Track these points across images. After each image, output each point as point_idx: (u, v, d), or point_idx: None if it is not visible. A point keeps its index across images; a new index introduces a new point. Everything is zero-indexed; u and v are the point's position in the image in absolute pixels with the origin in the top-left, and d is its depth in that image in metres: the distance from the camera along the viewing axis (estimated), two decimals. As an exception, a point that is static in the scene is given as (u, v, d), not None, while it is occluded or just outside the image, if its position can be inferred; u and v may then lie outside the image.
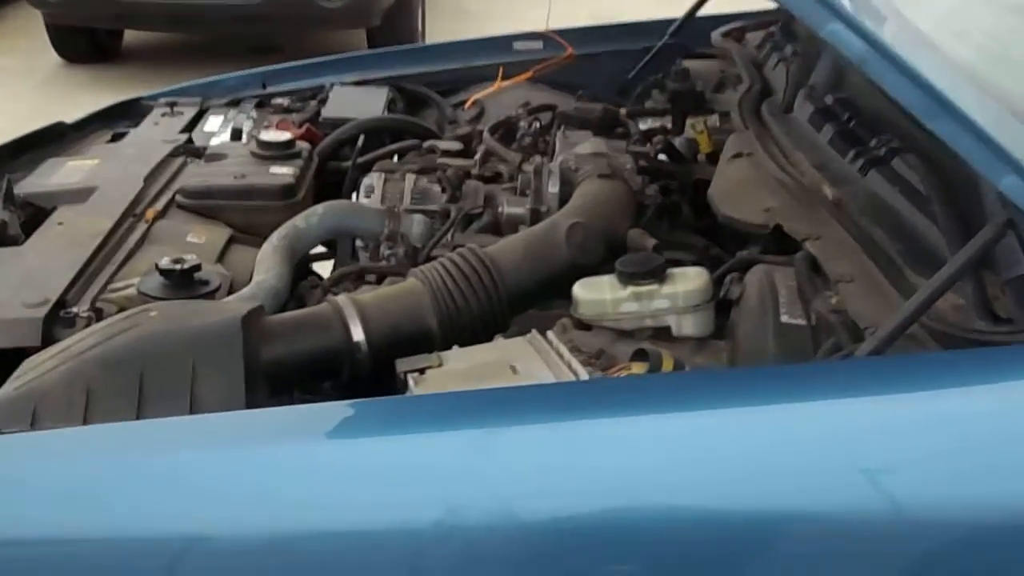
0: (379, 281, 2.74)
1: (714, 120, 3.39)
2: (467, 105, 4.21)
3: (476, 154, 3.41)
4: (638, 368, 2.14)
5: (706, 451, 1.78)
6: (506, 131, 3.43)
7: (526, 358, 2.22)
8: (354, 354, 2.35)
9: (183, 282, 2.64)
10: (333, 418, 1.95)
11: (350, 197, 3.32)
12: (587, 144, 3.00)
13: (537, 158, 3.03)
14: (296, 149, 3.46)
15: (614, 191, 2.75)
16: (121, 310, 2.66)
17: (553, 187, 2.80)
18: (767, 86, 3.32)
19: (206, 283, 2.70)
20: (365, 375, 2.39)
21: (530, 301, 2.53)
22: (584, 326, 2.44)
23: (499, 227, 2.99)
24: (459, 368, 2.20)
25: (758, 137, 2.88)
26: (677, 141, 3.34)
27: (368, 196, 3.10)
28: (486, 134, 3.38)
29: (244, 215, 3.24)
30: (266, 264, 2.67)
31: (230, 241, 3.12)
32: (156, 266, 2.67)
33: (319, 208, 2.87)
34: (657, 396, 1.89)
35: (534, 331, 2.36)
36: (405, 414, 1.93)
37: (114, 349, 2.17)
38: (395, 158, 3.50)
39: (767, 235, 2.62)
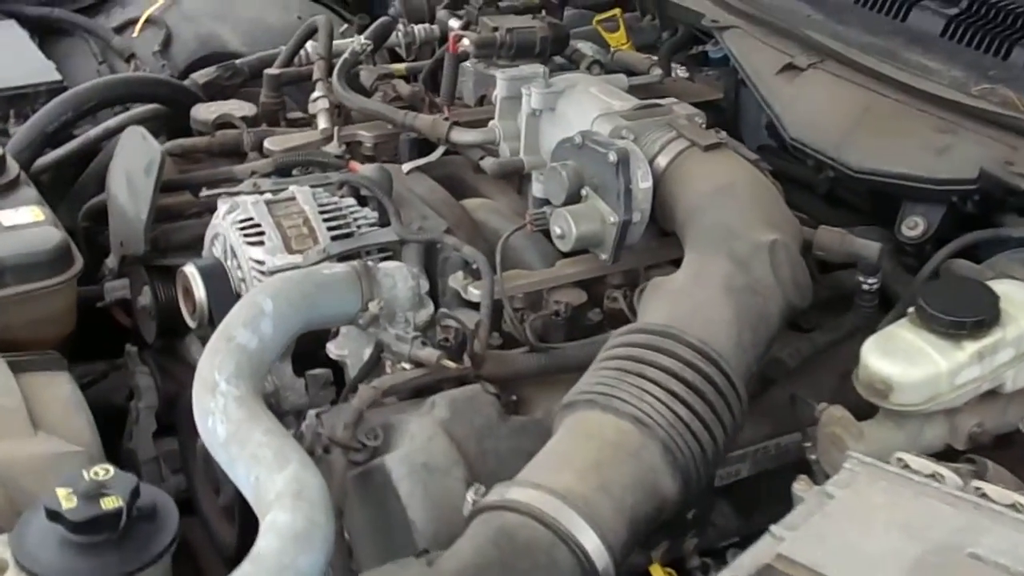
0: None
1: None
2: (137, 28, 2.94)
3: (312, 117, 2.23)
4: None
5: None
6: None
7: (967, 525, 1.31)
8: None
9: (123, 543, 1.36)
10: None
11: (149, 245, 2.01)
12: (600, 86, 1.95)
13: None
14: (7, 168, 2.04)
15: (752, 173, 1.78)
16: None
17: (645, 181, 1.75)
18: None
19: (150, 517, 1.41)
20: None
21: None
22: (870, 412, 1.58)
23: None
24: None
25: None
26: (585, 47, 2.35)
27: (254, 240, 1.84)
28: (338, 85, 2.19)
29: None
30: (252, 450, 1.43)
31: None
32: (47, 511, 1.35)
33: (262, 300, 1.60)
34: None
35: (856, 457, 1.42)
36: None
37: None
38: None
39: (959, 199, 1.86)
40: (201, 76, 2.53)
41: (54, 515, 1.34)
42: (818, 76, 2.07)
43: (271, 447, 1.44)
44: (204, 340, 1.94)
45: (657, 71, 2.24)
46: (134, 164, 2.04)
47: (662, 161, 1.81)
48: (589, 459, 1.40)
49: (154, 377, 2.15)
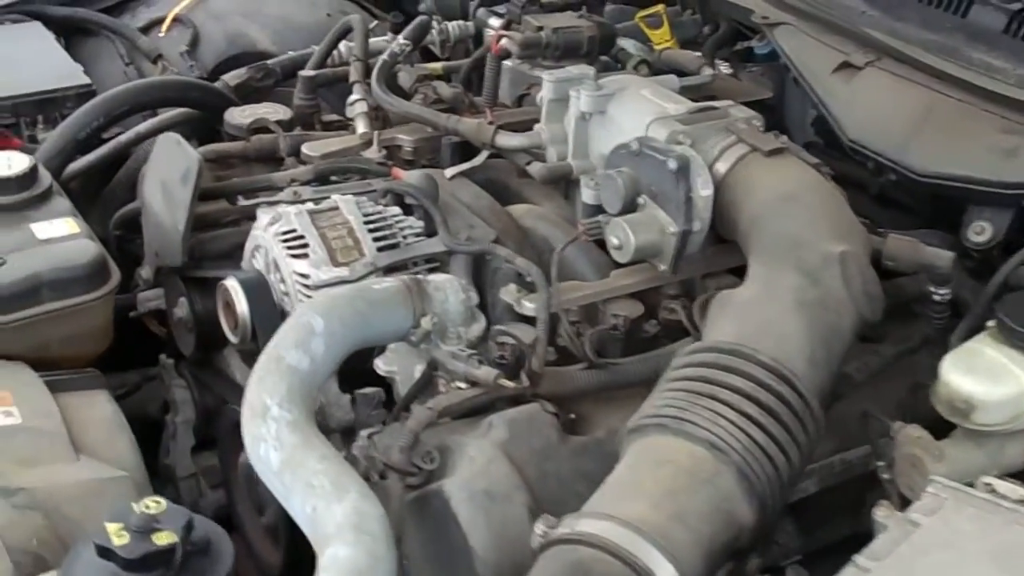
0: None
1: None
2: (164, 28, 2.85)
3: (353, 123, 2.16)
4: None
5: None
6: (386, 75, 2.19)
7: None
8: (679, 630, 1.24)
9: None
10: None
11: (186, 256, 1.94)
12: (652, 88, 1.88)
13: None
14: (40, 178, 1.97)
15: (816, 180, 1.71)
16: None
17: (706, 189, 1.68)
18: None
19: (204, 551, 1.35)
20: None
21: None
22: (941, 425, 1.51)
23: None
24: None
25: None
26: (629, 45, 2.29)
27: (298, 253, 1.77)
28: (377, 88, 2.11)
29: (32, 333, 1.79)
30: (307, 479, 1.37)
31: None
32: (98, 548, 1.30)
33: (313, 320, 1.54)
34: None
35: (940, 481, 1.35)
36: None
37: None
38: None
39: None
40: (232, 78, 2.46)
41: (105, 552, 1.29)
42: (876, 75, 2.00)
43: (328, 475, 1.38)
44: (245, 355, 1.89)
45: (708, 71, 2.17)
46: (169, 172, 1.97)
47: (721, 167, 1.74)
48: (662, 487, 1.33)
49: (191, 391, 2.09)
